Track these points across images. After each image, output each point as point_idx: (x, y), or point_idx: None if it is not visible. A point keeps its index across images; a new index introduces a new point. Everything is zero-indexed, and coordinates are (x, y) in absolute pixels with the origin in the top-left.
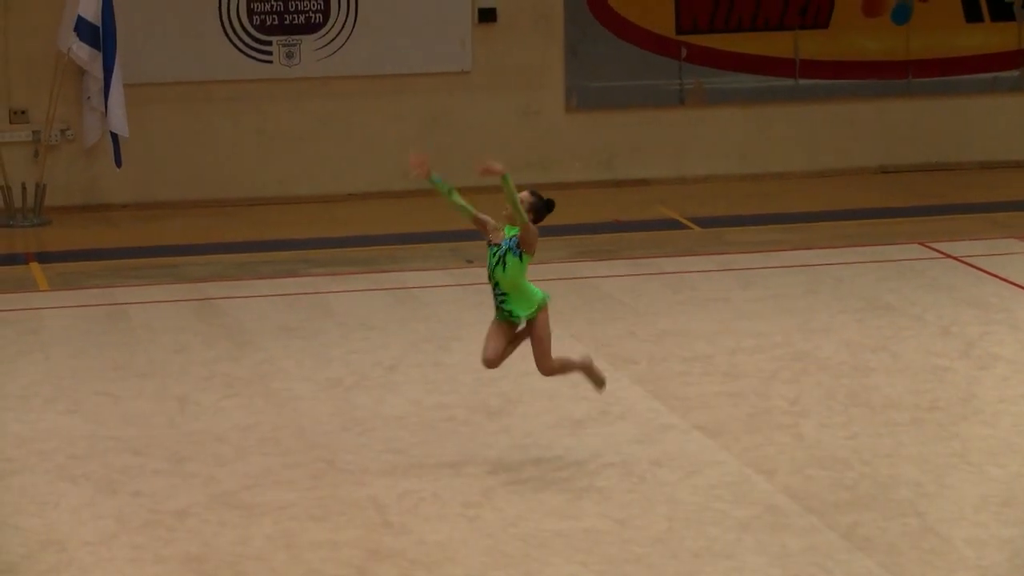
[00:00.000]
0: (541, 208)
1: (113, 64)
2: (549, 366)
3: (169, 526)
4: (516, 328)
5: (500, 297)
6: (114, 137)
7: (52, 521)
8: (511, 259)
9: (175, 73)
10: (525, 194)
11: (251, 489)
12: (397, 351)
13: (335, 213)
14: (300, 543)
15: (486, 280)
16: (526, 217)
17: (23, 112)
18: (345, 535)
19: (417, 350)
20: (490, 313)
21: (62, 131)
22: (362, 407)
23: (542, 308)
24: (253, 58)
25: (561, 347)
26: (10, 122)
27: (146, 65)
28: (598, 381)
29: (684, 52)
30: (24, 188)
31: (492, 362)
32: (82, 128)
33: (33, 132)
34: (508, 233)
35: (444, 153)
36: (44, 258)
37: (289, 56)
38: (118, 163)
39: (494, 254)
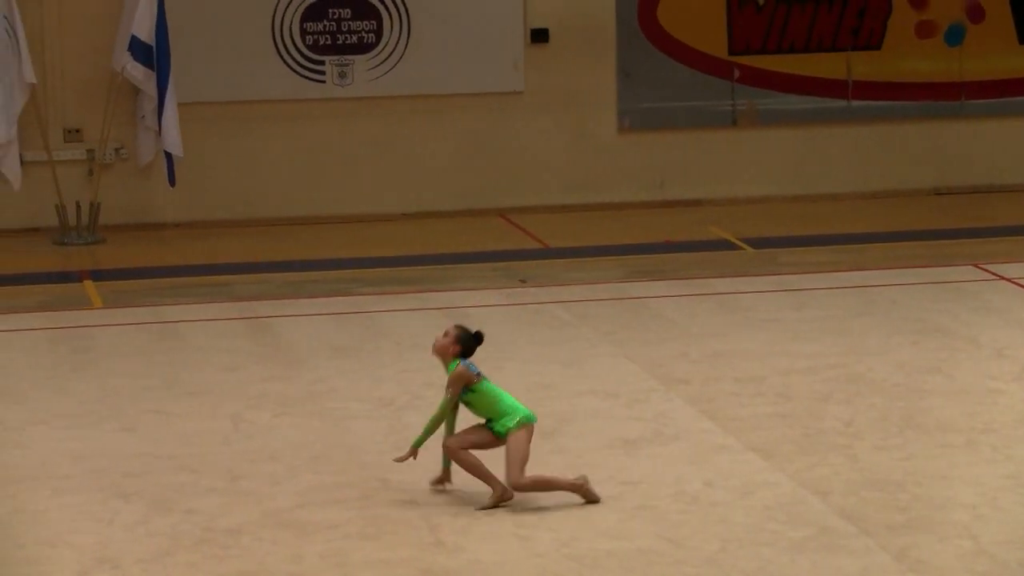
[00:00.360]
0: (468, 340)
1: (167, 83)
2: (517, 480)
3: (222, 544)
4: (497, 439)
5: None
6: (168, 156)
7: (106, 538)
8: (469, 397)
9: (229, 93)
10: (450, 328)
11: (304, 507)
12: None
13: (387, 232)
14: (352, 562)
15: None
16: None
17: (78, 131)
18: (397, 554)
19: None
20: (541, 333)
21: (116, 150)
22: (414, 426)
23: (522, 425)
24: (306, 78)
25: (613, 365)
26: (65, 141)
27: (200, 84)
28: (591, 499)
29: (736, 73)
30: (78, 206)
31: (449, 446)
32: (136, 147)
33: (87, 151)
34: (447, 375)
35: (495, 174)
36: (98, 276)
37: (342, 76)
38: (171, 182)
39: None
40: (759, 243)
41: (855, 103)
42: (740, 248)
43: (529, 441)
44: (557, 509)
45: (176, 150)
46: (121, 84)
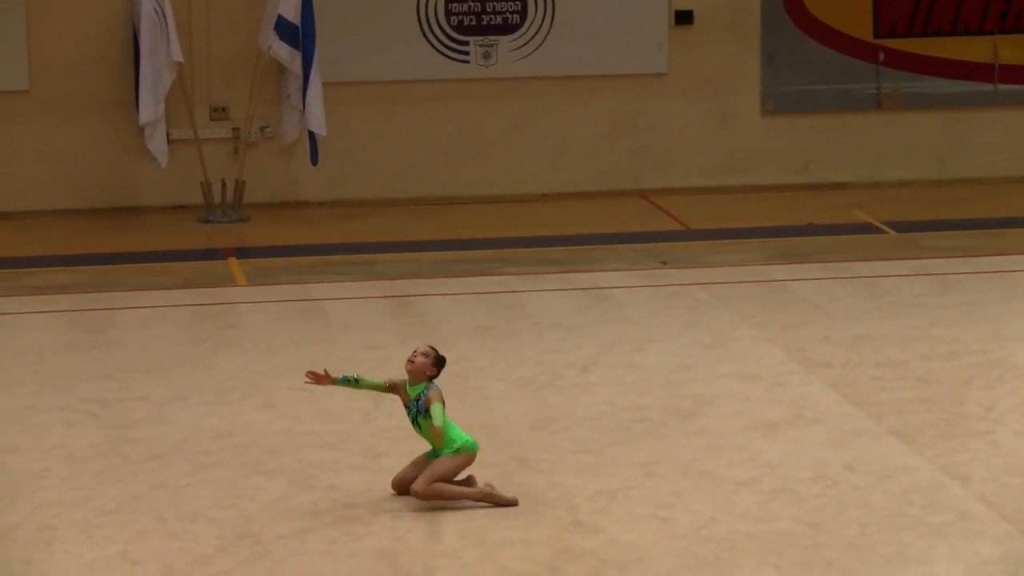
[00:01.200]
0: (441, 362)
1: (312, 63)
2: (423, 488)
3: (363, 521)
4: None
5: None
6: (311, 135)
7: (247, 514)
8: (423, 421)
9: (373, 72)
10: (428, 348)
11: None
12: (591, 352)
13: (530, 213)
14: (491, 540)
15: None
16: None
17: (224, 109)
18: (536, 534)
19: (611, 351)
20: (682, 315)
21: (261, 128)
22: (555, 406)
23: (461, 453)
24: (450, 58)
25: (754, 347)
26: (211, 119)
27: (344, 64)
28: (505, 504)
29: (881, 56)
30: (224, 184)
31: (395, 484)
32: (281, 126)
33: (233, 129)
34: (412, 393)
35: (637, 156)
36: (242, 253)
37: (486, 56)
38: (314, 161)
39: (409, 413)
40: (902, 227)
41: (1001, 87)
42: (883, 232)
43: (459, 469)
44: (696, 491)
45: (319, 129)
46: (267, 63)
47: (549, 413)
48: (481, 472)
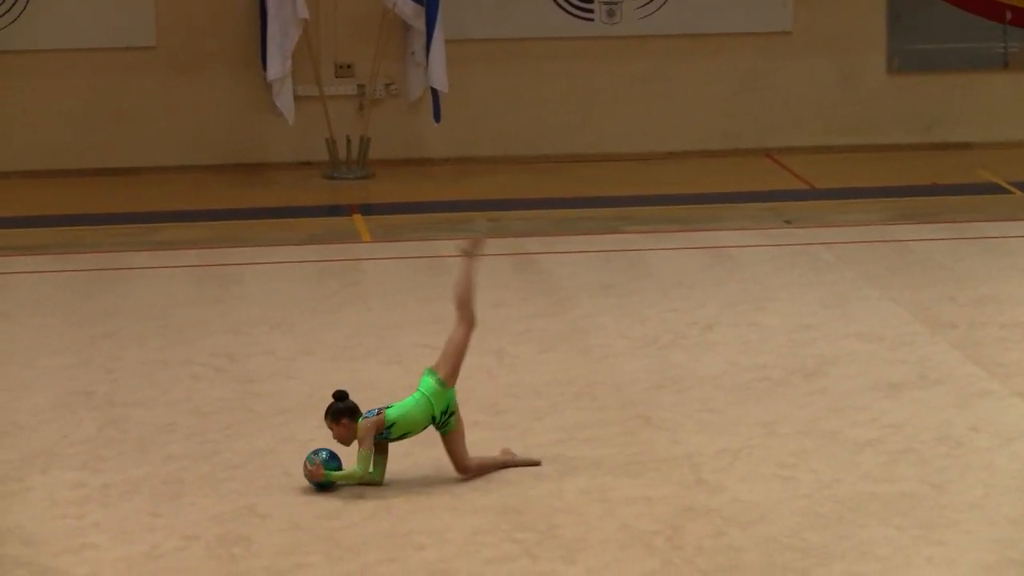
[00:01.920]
0: (346, 407)
1: (436, 20)
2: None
3: (486, 477)
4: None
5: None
6: (435, 92)
7: None
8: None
9: (496, 30)
10: (326, 422)
11: (566, 443)
12: (713, 310)
13: (653, 171)
14: (613, 498)
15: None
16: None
17: (349, 66)
18: (659, 491)
19: (733, 310)
20: (805, 275)
21: (386, 85)
22: (678, 365)
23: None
24: (574, 16)
25: (877, 307)
26: (336, 76)
27: (468, 21)
28: (529, 464)
29: (1009, 15)
30: (348, 141)
31: (468, 468)
32: (406, 83)
33: (358, 86)
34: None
35: (762, 114)
36: (367, 210)
37: (610, 14)
38: (437, 118)
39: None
40: None
41: None
42: (1009, 192)
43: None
44: (819, 451)
45: (442, 86)
46: (392, 20)
47: (672, 372)
48: (606, 430)
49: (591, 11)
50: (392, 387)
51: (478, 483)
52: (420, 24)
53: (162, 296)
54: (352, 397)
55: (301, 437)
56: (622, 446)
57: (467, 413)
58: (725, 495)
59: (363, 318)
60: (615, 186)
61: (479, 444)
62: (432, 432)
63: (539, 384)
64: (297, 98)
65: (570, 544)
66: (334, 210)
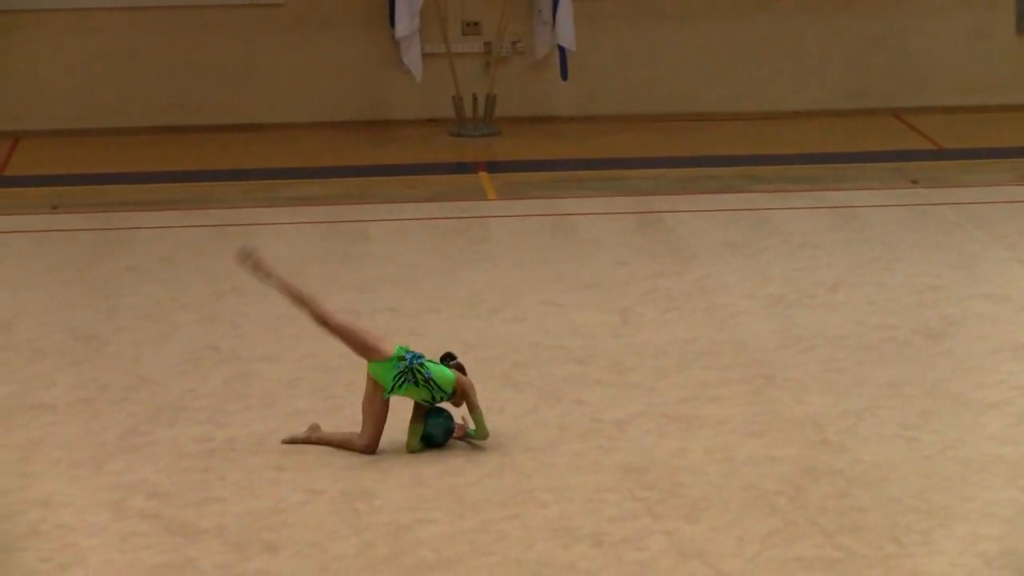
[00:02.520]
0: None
1: None
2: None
3: (609, 435)
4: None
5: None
6: (561, 50)
7: (496, 426)
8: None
9: None
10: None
11: (690, 402)
12: (840, 270)
13: (780, 130)
14: (737, 457)
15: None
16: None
17: (476, 24)
18: (782, 451)
19: (861, 270)
20: (931, 235)
21: (513, 43)
22: (803, 325)
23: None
24: None
25: (1005, 268)
26: (463, 34)
27: None
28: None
29: None
30: (475, 98)
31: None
32: (532, 41)
33: (485, 44)
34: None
35: (890, 73)
36: (493, 167)
37: None
38: (564, 76)
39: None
40: None
41: None
42: None
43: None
44: (944, 412)
45: (569, 44)
46: None
47: (797, 331)
48: (730, 390)
49: None
50: (515, 345)
51: (601, 441)
52: None
53: (289, 252)
54: (476, 354)
55: None
56: (746, 405)
57: (592, 372)
58: (849, 455)
59: (488, 276)
60: (741, 145)
61: (605, 402)
62: (558, 390)
63: (664, 343)
64: (424, 56)
65: (693, 503)
66: (460, 167)
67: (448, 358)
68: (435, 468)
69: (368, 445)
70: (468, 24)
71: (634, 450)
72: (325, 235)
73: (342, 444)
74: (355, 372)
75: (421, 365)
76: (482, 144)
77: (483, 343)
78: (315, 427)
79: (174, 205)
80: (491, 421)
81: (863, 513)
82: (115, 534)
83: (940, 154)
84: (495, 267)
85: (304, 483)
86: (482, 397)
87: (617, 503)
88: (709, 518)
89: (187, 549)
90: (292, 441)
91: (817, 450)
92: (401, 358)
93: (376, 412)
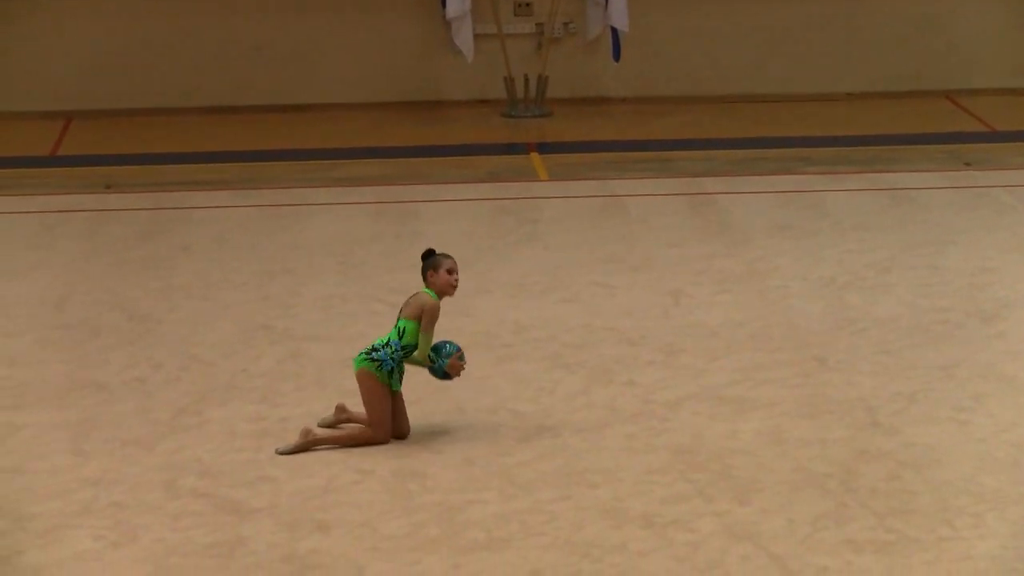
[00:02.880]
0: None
1: None
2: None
3: (660, 416)
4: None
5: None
6: (614, 31)
7: (546, 407)
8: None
9: None
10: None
11: (741, 384)
12: (892, 252)
13: (832, 112)
14: (788, 439)
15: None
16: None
17: (527, 4)
18: (834, 434)
19: (913, 252)
20: (985, 217)
21: (565, 24)
22: (855, 307)
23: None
24: None
25: None
26: (515, 14)
27: None
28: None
29: None
30: (527, 79)
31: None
32: (584, 21)
33: (536, 25)
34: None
35: (943, 56)
36: (544, 148)
37: None
38: (616, 57)
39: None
40: None
41: None
42: None
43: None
44: (997, 394)
45: (622, 25)
46: None
47: (848, 313)
48: (781, 372)
49: None
50: (566, 326)
51: (652, 423)
52: None
53: (341, 232)
54: (527, 334)
55: (476, 374)
56: (797, 388)
57: (643, 353)
58: (900, 438)
59: (539, 256)
60: (793, 126)
61: (656, 383)
62: (609, 371)
63: (715, 324)
64: (476, 36)
65: (744, 485)
66: (511, 148)
67: (427, 255)
68: (486, 448)
69: (386, 436)
70: (520, 5)
71: (685, 432)
72: (376, 215)
73: (350, 441)
74: None
75: (401, 353)
76: (534, 125)
77: (533, 324)
78: (306, 431)
79: (226, 185)
80: (541, 402)
81: (914, 496)
82: (167, 513)
83: (993, 136)
84: (546, 248)
85: (355, 463)
86: (533, 377)
87: (668, 484)
88: (760, 500)
89: (239, 528)
90: (289, 452)
91: (868, 432)
92: (379, 362)
93: (382, 403)
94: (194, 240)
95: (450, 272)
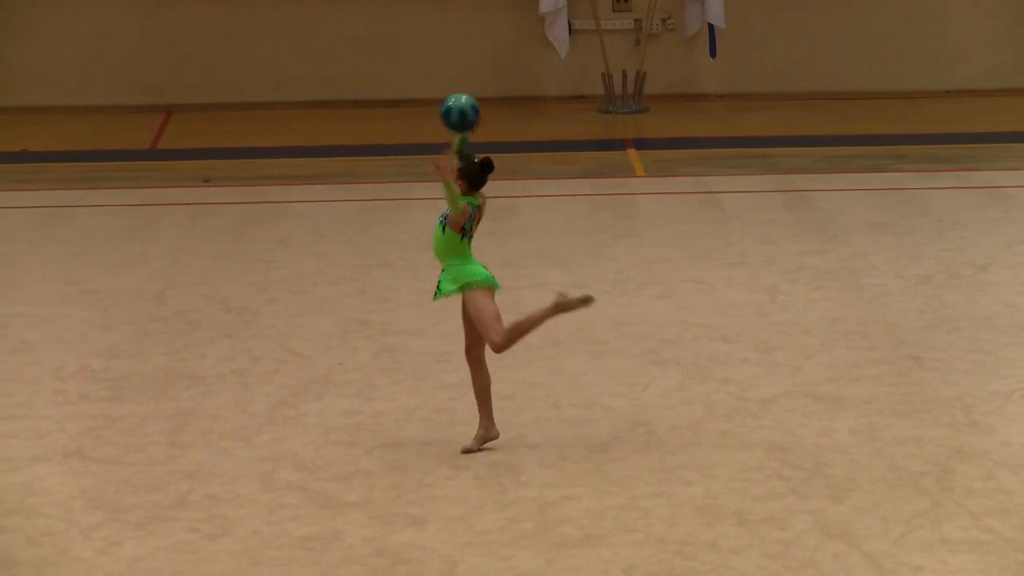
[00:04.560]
0: (474, 173)
1: None
2: (496, 343)
3: (755, 414)
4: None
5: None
6: (711, 28)
7: (642, 403)
8: (436, 229)
9: None
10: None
11: (836, 382)
12: (989, 250)
13: (926, 109)
14: (883, 438)
15: None
16: (456, 206)
17: (626, 0)
18: (929, 432)
19: (1010, 251)
20: None
21: (663, 20)
22: (952, 305)
23: (469, 288)
24: None
25: None
26: (613, 10)
27: None
28: (580, 302)
29: None
30: (624, 75)
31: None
32: (683, 18)
33: (635, 20)
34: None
35: None
36: (641, 145)
37: None
38: (712, 53)
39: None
40: None
41: None
42: None
43: (492, 299)
44: None
45: (719, 21)
46: None
47: (945, 312)
48: (876, 370)
49: None
50: (661, 322)
51: (747, 420)
52: None
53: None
54: (622, 330)
55: (570, 370)
56: (893, 386)
57: (738, 350)
58: (997, 437)
59: (634, 252)
60: (885, 124)
61: (751, 381)
62: (704, 368)
63: (810, 322)
64: (574, 31)
65: (838, 483)
66: (608, 144)
67: (469, 159)
68: (581, 444)
69: (504, 339)
70: (618, 0)
71: (779, 429)
72: None
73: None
74: None
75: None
76: (631, 121)
77: (629, 320)
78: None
79: (322, 179)
80: (636, 398)
81: (1010, 496)
82: (263, 506)
83: None
84: (641, 244)
85: (450, 458)
86: (628, 373)
87: (761, 482)
88: (854, 499)
89: (334, 521)
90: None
91: (964, 432)
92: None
93: (491, 306)
94: (291, 234)
95: None
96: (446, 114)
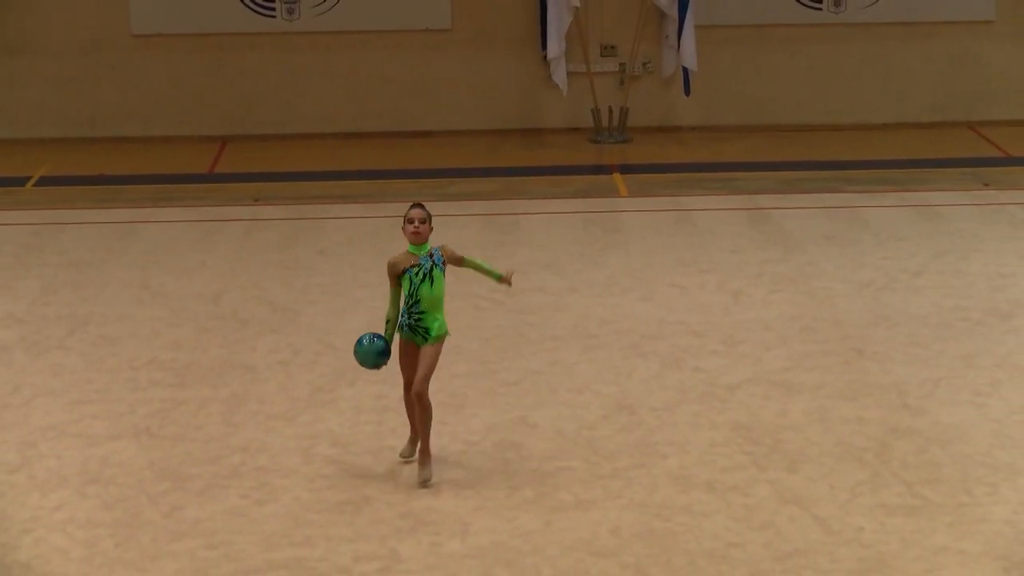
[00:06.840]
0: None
1: (687, 8)
2: (426, 388)
3: (722, 398)
4: (419, 349)
5: (417, 316)
6: (685, 70)
7: (626, 389)
8: (437, 275)
9: (739, 17)
10: (423, 212)
11: (792, 370)
12: (922, 259)
13: (871, 139)
14: (831, 418)
15: (412, 306)
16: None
17: (612, 47)
18: (870, 413)
19: (940, 260)
20: (1002, 229)
21: (644, 64)
22: (890, 306)
23: (442, 338)
24: (804, 4)
25: None
26: (601, 55)
27: (714, 9)
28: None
29: None
30: (611, 111)
31: (411, 383)
32: (660, 62)
33: (620, 64)
34: (423, 251)
35: (968, 91)
36: (625, 169)
37: (836, 3)
38: (687, 92)
39: (417, 274)
40: None
41: None
42: None
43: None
44: (1011, 381)
45: (692, 65)
46: (649, 8)
47: (884, 311)
48: (826, 360)
49: (820, 0)
50: (643, 320)
51: (715, 403)
52: (673, 12)
53: (453, 239)
54: (610, 327)
55: (567, 360)
56: (840, 374)
57: (708, 343)
58: (927, 418)
59: (621, 261)
60: (838, 151)
61: (719, 370)
62: (679, 359)
63: (770, 319)
64: (569, 74)
65: (793, 456)
66: (598, 169)
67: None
68: (574, 423)
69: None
70: (606, 47)
71: (743, 411)
72: (484, 225)
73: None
74: (508, 341)
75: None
76: (616, 150)
77: (616, 318)
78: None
79: (357, 199)
80: (621, 385)
81: (939, 467)
82: (304, 476)
83: (1009, 161)
84: (627, 254)
85: (462, 435)
86: (615, 364)
87: (728, 456)
88: (806, 470)
89: (364, 489)
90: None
91: (900, 413)
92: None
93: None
94: (329, 245)
95: (409, 221)
96: (362, 364)
